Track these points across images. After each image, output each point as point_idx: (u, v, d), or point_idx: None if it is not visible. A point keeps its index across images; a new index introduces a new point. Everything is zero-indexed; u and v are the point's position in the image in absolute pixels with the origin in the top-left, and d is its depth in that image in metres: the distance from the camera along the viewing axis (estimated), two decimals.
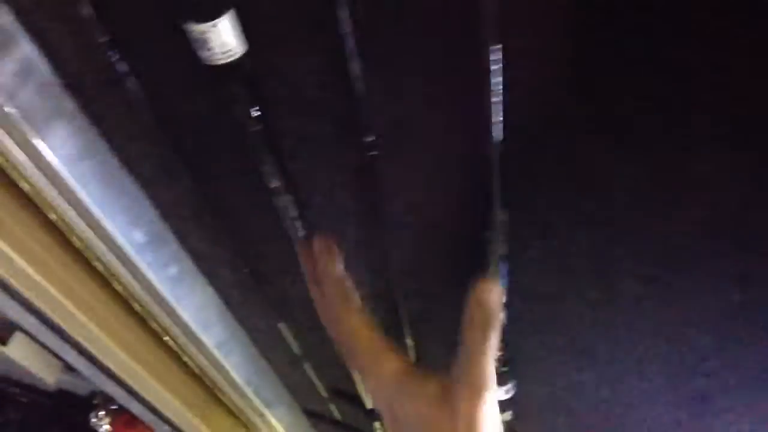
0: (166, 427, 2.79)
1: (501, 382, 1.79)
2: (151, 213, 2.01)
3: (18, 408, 3.55)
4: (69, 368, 3.13)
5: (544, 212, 1.19)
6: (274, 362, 2.60)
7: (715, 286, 1.02)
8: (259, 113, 1.20)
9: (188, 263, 2.10)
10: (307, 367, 2.51)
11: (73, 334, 2.18)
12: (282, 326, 2.32)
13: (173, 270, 2.09)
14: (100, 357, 2.25)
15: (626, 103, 0.73)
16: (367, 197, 1.43)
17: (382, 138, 1.15)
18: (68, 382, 3.27)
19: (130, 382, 2.40)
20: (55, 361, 3.17)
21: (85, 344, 2.21)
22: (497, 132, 0.83)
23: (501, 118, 0.83)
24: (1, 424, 3.52)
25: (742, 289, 0.96)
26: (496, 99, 0.77)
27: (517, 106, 0.79)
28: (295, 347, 2.39)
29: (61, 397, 3.47)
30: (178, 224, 2.04)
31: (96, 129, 1.55)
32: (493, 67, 0.70)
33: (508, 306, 1.48)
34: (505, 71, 0.73)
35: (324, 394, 2.72)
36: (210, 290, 2.29)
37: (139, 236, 1.94)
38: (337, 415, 2.87)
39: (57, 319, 2.08)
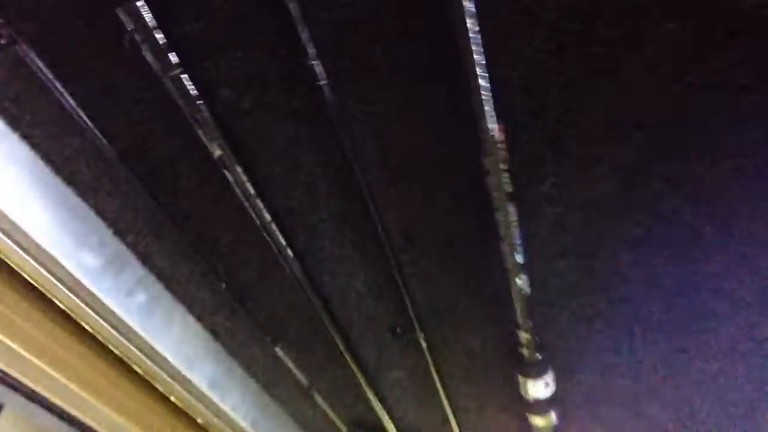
0: None
1: (538, 373, 1.49)
2: (102, 230, 1.76)
3: None
4: None
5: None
6: (280, 398, 2.29)
7: None
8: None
9: (158, 288, 1.79)
10: (319, 399, 2.20)
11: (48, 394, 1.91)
12: (279, 351, 2.03)
13: (141, 297, 1.82)
14: (75, 412, 1.96)
15: None
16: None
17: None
18: None
19: None
20: None
21: (53, 399, 1.92)
22: None
23: None
24: None
25: None
26: None
27: None
28: (300, 375, 2.09)
29: None
30: (137, 241, 1.79)
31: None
32: None
33: (528, 270, 1.20)
34: None
35: (342, 429, 2.40)
36: (191, 319, 2.03)
37: (90, 259, 1.68)
38: None
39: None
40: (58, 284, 1.51)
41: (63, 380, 1.79)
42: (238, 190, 1.20)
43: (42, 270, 1.47)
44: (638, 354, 1.33)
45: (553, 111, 0.93)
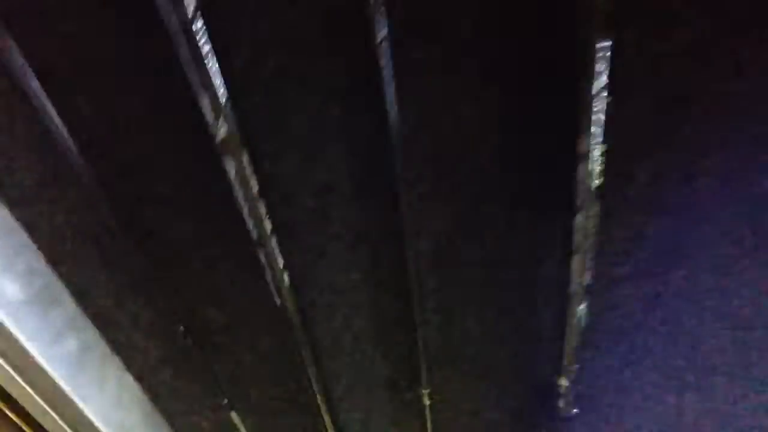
0: None
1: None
2: (31, 258, 1.38)
3: None
4: None
5: None
6: None
7: None
8: None
9: (92, 333, 1.42)
10: None
11: None
12: (234, 417, 1.67)
13: (71, 343, 1.44)
14: None
15: None
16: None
17: None
18: None
19: None
20: None
21: None
22: None
23: None
24: None
25: None
26: None
27: None
28: None
29: None
30: (73, 276, 1.42)
31: None
32: None
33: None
34: None
35: None
36: (128, 378, 1.63)
37: (14, 290, 1.32)
38: None
39: None
40: None
41: None
42: (238, 192, 0.96)
43: None
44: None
45: None
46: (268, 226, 1.00)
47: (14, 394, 1.35)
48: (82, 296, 1.34)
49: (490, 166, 0.89)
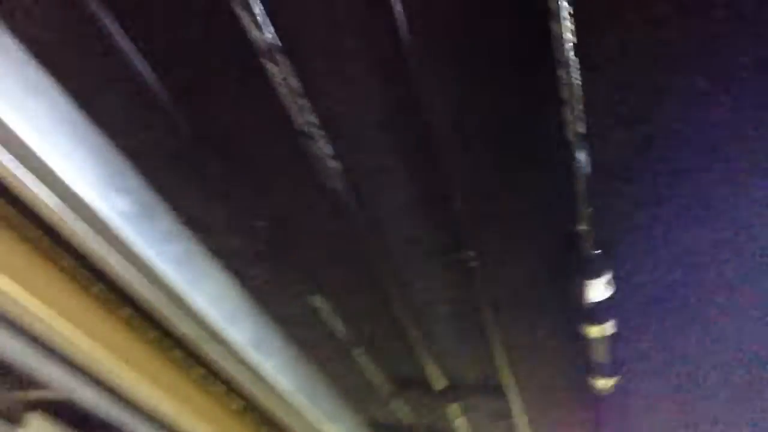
0: None
1: (596, 271, 1.42)
2: (135, 177, 1.69)
3: None
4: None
5: None
6: (321, 359, 2.21)
7: None
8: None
9: (192, 238, 1.68)
10: (361, 356, 2.11)
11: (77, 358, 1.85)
12: (318, 301, 1.95)
13: (176, 247, 1.67)
14: (108, 381, 1.90)
15: None
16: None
17: None
18: None
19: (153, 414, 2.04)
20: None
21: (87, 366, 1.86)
22: None
23: None
24: None
25: None
26: None
27: None
28: (342, 331, 2.01)
29: None
30: (170, 187, 1.72)
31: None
32: None
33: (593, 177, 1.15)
34: None
35: (386, 390, 2.30)
36: (226, 275, 1.96)
37: (123, 204, 1.62)
38: (404, 416, 2.44)
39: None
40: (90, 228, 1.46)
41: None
42: (296, 118, 1.17)
43: (71, 213, 1.43)
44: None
45: None
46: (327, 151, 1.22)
47: (128, 288, 1.66)
48: (177, 208, 1.61)
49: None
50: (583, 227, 1.26)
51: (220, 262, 1.78)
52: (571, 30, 0.96)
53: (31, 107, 1.29)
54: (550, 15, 0.95)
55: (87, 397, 2.04)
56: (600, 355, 1.56)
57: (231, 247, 1.71)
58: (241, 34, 1.08)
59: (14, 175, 1.35)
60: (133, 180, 1.52)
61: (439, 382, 2.08)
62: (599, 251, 1.32)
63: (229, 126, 1.34)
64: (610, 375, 1.66)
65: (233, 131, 1.35)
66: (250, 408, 2.31)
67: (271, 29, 1.08)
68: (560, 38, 0.97)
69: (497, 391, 2.00)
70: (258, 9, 1.05)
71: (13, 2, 1.19)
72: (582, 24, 0.97)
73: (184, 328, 1.79)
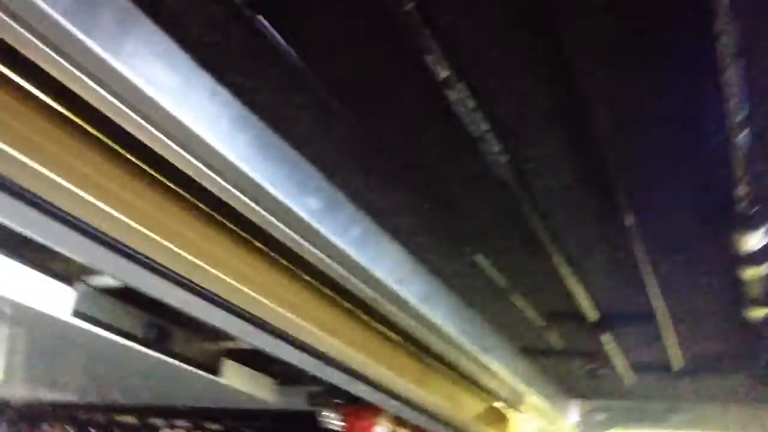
0: (393, 402, 2.76)
1: (754, 224, 1.56)
2: (317, 176, 1.96)
3: None
4: (282, 381, 3.20)
5: None
6: (479, 305, 2.47)
7: None
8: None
9: (368, 222, 1.96)
10: (516, 299, 2.35)
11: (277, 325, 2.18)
12: (479, 258, 2.18)
13: (356, 231, 2.01)
14: (312, 344, 2.25)
15: None
16: None
17: None
18: (284, 396, 3.38)
19: (350, 364, 2.39)
20: (267, 379, 3.25)
21: (295, 335, 2.21)
22: None
23: None
24: None
25: None
26: None
27: None
28: (500, 280, 2.24)
29: (283, 416, 3.61)
30: (348, 180, 1.97)
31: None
32: None
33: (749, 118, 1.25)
34: None
35: (539, 323, 2.55)
36: (396, 245, 2.21)
37: (313, 203, 1.88)
38: (557, 343, 2.69)
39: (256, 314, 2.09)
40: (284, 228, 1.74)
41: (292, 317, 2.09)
42: (459, 108, 1.33)
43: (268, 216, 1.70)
44: None
45: None
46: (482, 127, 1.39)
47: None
48: (356, 195, 1.85)
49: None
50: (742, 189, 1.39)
51: (393, 237, 2.02)
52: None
53: (240, 142, 1.54)
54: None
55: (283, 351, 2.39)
56: (754, 291, 1.71)
57: (403, 224, 1.95)
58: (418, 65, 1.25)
59: (230, 192, 1.62)
60: (319, 181, 1.77)
61: (591, 314, 2.28)
62: (757, 208, 1.45)
63: (401, 132, 1.54)
64: (763, 304, 1.81)
65: (406, 138, 1.56)
66: (423, 351, 2.62)
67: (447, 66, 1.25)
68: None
69: (649, 319, 2.18)
70: (435, 45, 1.21)
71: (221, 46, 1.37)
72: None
73: (366, 293, 2.08)
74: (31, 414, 4.57)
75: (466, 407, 3.27)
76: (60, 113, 1.37)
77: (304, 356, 2.25)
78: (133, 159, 1.54)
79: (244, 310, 1.97)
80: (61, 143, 1.40)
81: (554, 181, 1.60)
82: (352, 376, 2.42)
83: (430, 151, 1.61)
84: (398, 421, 3.06)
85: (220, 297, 1.91)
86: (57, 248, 1.54)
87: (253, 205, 1.67)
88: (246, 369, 3.10)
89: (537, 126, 1.45)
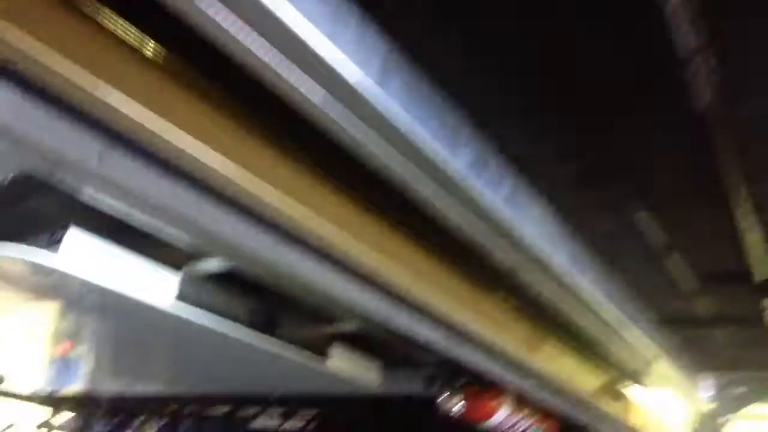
0: (524, 380, 2.57)
1: None
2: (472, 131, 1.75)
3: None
4: (390, 364, 3.04)
5: None
6: (627, 270, 2.24)
7: None
8: None
9: (518, 178, 1.75)
10: (672, 261, 2.10)
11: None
12: (642, 216, 1.94)
13: (508, 184, 1.80)
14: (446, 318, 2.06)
15: None
16: None
17: None
18: (391, 381, 3.19)
19: (484, 339, 2.19)
20: (375, 362, 3.10)
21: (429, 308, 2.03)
22: None
23: None
24: None
25: None
26: None
27: None
28: (659, 238, 1.99)
29: (389, 401, 3.41)
30: (500, 130, 1.76)
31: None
32: None
33: None
34: None
35: (692, 286, 2.28)
36: (545, 204, 1.99)
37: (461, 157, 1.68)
38: (707, 309, 2.42)
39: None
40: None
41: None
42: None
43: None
44: None
45: None
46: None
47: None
48: (505, 148, 1.65)
49: None
50: None
51: (543, 195, 1.82)
52: None
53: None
54: None
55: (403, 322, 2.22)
56: None
57: (558, 178, 1.74)
58: None
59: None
60: (471, 133, 1.57)
61: (761, 273, 2.03)
62: None
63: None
64: None
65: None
66: (555, 324, 2.42)
67: None
68: None
69: None
70: None
71: None
72: None
73: (511, 258, 1.87)
74: (124, 407, 4.56)
75: (588, 382, 3.06)
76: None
77: (439, 333, 2.07)
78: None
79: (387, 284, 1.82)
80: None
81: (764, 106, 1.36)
82: (486, 354, 2.23)
83: (603, 91, 1.41)
84: (519, 401, 2.87)
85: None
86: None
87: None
88: (353, 352, 2.96)
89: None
